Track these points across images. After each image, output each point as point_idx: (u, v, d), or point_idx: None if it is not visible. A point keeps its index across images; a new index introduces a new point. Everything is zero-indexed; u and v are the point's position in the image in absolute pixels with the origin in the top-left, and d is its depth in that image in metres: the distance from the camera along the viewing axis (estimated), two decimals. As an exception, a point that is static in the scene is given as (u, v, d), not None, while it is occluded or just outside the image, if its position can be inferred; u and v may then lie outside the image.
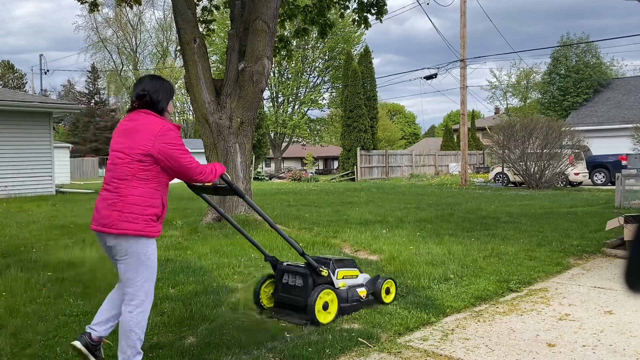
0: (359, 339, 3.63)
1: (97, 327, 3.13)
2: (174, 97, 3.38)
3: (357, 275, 4.42)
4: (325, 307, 3.97)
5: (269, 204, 12.85)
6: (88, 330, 3.14)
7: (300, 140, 49.31)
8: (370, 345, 3.57)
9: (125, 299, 3.05)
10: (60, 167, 27.21)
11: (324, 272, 4.08)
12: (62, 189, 19.18)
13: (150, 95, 3.11)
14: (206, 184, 3.39)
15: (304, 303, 3.96)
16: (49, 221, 9.71)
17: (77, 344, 3.07)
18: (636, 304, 4.45)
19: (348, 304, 4.16)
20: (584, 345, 3.58)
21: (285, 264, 4.29)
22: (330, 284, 4.11)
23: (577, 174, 21.21)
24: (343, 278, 4.26)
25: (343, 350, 3.47)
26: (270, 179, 33.99)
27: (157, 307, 4.31)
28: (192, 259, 6.05)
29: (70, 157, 35.45)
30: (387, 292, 4.48)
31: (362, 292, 4.30)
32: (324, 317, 3.95)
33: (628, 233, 6.65)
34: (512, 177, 22.28)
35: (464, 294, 4.73)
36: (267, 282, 4.33)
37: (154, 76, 3.30)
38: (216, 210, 4.19)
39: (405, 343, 3.64)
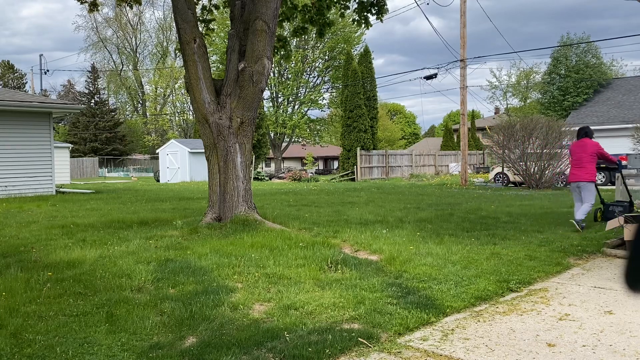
0: (359, 339, 3.63)
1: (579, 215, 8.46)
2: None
3: None
4: None
5: (269, 204, 12.85)
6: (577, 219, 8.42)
7: (300, 140, 49.30)
8: (370, 345, 3.57)
9: (583, 204, 8.51)
10: (60, 167, 27.21)
11: (635, 206, 8.82)
12: (62, 189, 19.18)
13: (589, 133, 8.71)
14: (612, 165, 9.54)
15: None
16: (49, 221, 9.70)
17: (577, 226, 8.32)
18: (636, 304, 4.45)
19: None
20: (584, 345, 3.58)
21: (610, 202, 9.30)
22: (636, 209, 8.72)
23: (577, 174, 21.18)
24: None
25: (343, 350, 3.47)
26: (270, 179, 33.98)
27: (157, 307, 4.32)
28: (192, 259, 6.05)
29: (70, 157, 35.46)
30: None
31: None
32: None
33: (628, 233, 6.66)
34: (512, 177, 22.28)
35: (464, 294, 4.73)
36: (599, 210, 9.33)
37: (588, 127, 8.92)
38: (600, 199, 9.42)
39: (405, 343, 3.64)
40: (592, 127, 9.13)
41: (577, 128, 10.03)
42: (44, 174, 17.10)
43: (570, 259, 6.36)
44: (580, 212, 8.56)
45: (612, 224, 7.63)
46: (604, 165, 8.94)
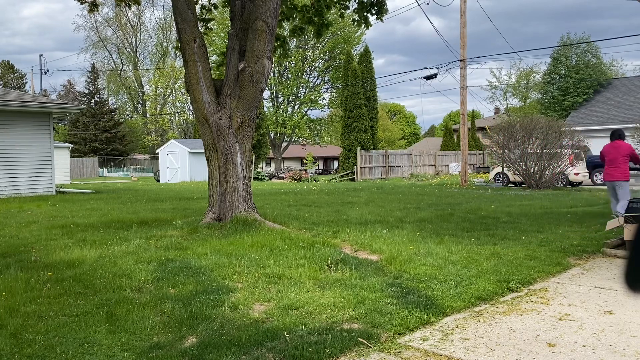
0: (359, 339, 3.63)
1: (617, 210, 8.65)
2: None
3: None
4: None
5: (269, 204, 12.85)
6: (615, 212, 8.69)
7: (300, 140, 49.31)
8: (370, 345, 3.57)
9: (620, 201, 8.80)
10: (60, 167, 27.21)
11: None
12: (62, 189, 19.17)
13: (622, 135, 9.35)
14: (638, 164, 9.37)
15: None
16: (49, 221, 9.70)
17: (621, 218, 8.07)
18: (636, 304, 4.45)
19: None
20: (584, 345, 3.58)
21: (630, 199, 8.59)
22: None
23: (577, 174, 21.21)
24: None
25: (343, 350, 3.47)
26: (270, 179, 33.98)
27: (157, 307, 4.32)
28: (192, 259, 6.05)
29: (70, 157, 35.46)
30: None
31: None
32: None
33: (628, 233, 6.66)
34: (512, 177, 22.28)
35: (464, 294, 4.73)
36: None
37: (621, 130, 9.54)
38: None
39: (405, 343, 3.64)
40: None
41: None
42: (43, 174, 17.10)
43: (570, 259, 6.36)
44: (620, 210, 9.38)
45: (612, 224, 7.63)
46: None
